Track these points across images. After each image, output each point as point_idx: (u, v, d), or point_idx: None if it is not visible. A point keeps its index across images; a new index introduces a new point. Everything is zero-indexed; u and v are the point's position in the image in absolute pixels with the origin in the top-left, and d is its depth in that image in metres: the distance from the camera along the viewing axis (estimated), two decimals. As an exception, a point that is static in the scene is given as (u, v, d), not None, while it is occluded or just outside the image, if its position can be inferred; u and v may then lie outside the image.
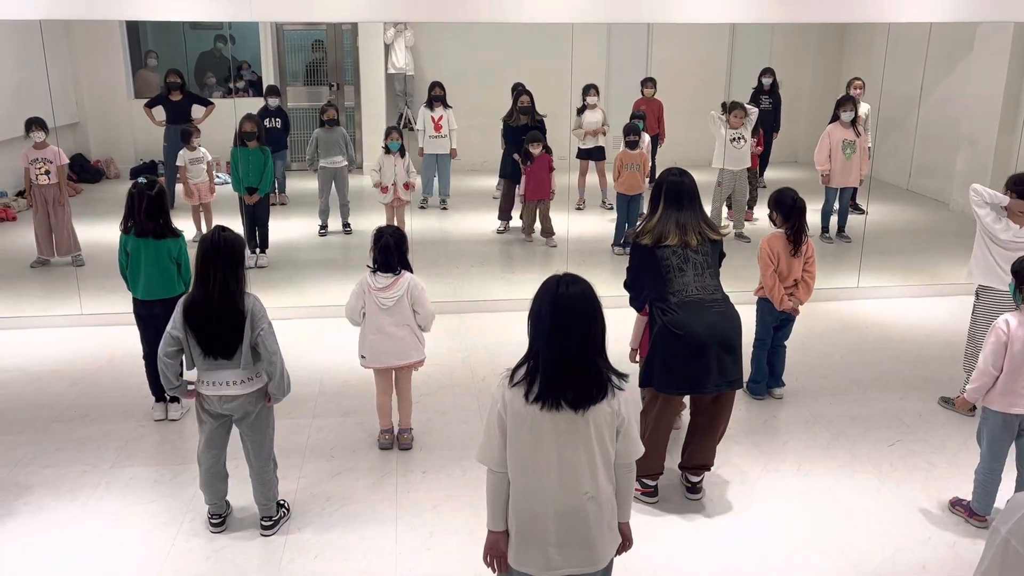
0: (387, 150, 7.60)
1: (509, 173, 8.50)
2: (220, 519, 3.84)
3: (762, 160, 9.15)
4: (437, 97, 8.68)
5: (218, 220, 7.91)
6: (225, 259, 3.52)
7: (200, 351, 3.57)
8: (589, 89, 8.62)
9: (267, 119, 8.60)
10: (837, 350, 5.99)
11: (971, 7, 6.52)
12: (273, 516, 3.84)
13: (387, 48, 9.71)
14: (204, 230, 7.62)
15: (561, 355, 2.46)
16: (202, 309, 3.52)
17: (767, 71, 9.19)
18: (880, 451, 4.58)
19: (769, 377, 5.19)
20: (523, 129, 8.26)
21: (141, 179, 4.67)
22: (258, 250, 7.57)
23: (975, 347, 4.81)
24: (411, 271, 4.42)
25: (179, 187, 7.77)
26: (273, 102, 8.89)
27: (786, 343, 5.18)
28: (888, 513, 4.02)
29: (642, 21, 8.48)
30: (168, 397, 4.82)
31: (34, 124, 6.99)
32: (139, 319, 4.78)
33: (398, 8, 6.41)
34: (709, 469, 4.17)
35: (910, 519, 3.95)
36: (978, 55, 9.03)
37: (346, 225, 8.38)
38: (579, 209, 8.71)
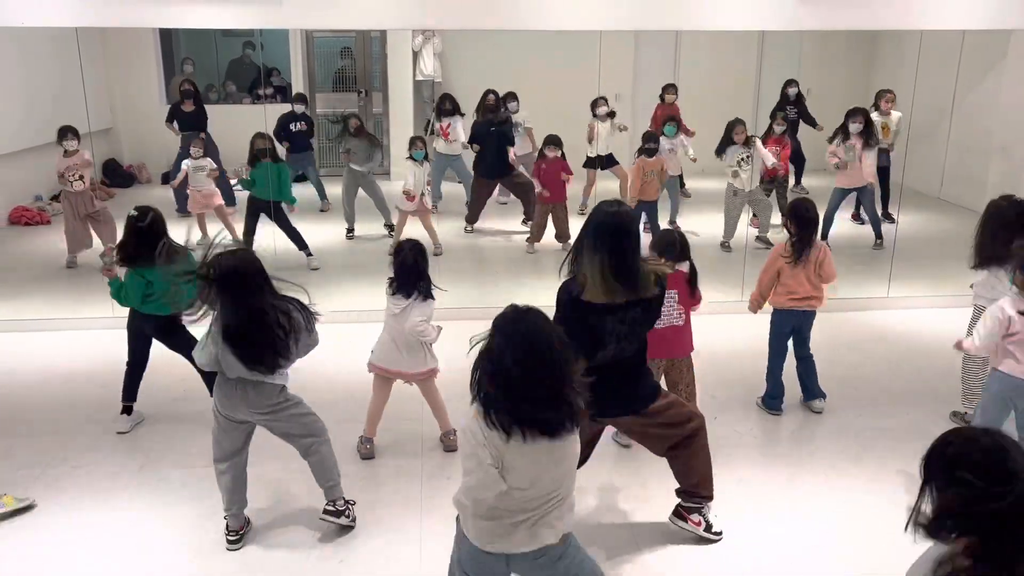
0: (412, 159, 7.68)
1: (482, 174, 8.66)
2: (237, 535, 3.77)
3: (797, 166, 9.12)
4: (452, 110, 8.85)
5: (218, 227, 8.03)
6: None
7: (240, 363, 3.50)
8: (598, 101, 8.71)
9: (293, 123, 8.74)
10: (866, 360, 5.92)
11: (1007, 14, 6.45)
12: (338, 507, 3.81)
13: (415, 55, 9.76)
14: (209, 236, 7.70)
15: (531, 391, 2.50)
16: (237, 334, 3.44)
17: (791, 82, 9.18)
18: (910, 464, 4.49)
19: (804, 392, 5.12)
20: (487, 124, 8.51)
21: (132, 212, 4.59)
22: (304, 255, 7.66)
23: (971, 363, 4.80)
24: (429, 292, 4.33)
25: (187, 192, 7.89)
26: (299, 108, 9.01)
27: (811, 354, 5.05)
28: (917, 527, 3.96)
29: (670, 29, 8.45)
30: (123, 407, 4.87)
31: (69, 132, 7.02)
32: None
33: (427, 16, 6.46)
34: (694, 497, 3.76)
35: (940, 533, 3.89)
36: (1012, 63, 8.90)
37: (389, 227, 8.45)
38: (581, 213, 8.73)
